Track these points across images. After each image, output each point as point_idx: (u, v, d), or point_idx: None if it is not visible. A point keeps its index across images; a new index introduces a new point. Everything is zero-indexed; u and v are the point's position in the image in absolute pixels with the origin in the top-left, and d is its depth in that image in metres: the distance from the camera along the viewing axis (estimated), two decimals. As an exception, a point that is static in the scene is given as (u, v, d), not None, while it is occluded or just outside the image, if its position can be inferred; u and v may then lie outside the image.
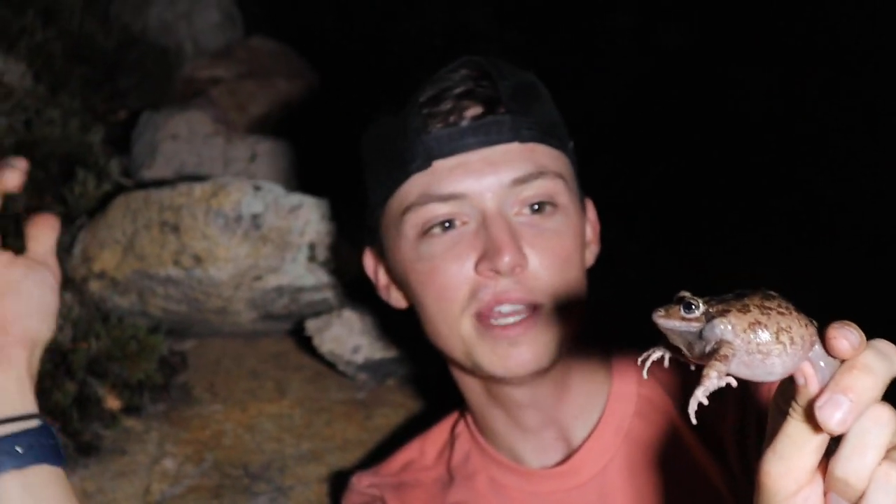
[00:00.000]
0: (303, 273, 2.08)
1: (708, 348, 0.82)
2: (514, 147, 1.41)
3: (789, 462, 0.82)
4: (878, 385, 0.78)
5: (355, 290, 2.12)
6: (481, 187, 1.40)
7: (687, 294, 0.84)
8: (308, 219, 2.06)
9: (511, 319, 1.40)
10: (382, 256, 1.57)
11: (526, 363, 1.41)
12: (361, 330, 2.11)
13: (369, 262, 1.63)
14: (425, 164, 1.41)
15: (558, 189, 1.44)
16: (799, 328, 0.81)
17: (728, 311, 0.82)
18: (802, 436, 0.82)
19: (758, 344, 0.81)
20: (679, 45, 3.93)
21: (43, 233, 1.28)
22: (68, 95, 2.61)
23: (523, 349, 1.40)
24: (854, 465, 0.78)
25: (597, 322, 1.56)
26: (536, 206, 1.42)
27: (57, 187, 2.29)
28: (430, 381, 2.21)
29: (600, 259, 1.60)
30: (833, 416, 0.77)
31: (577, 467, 1.49)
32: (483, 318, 1.41)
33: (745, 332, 0.81)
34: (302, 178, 2.62)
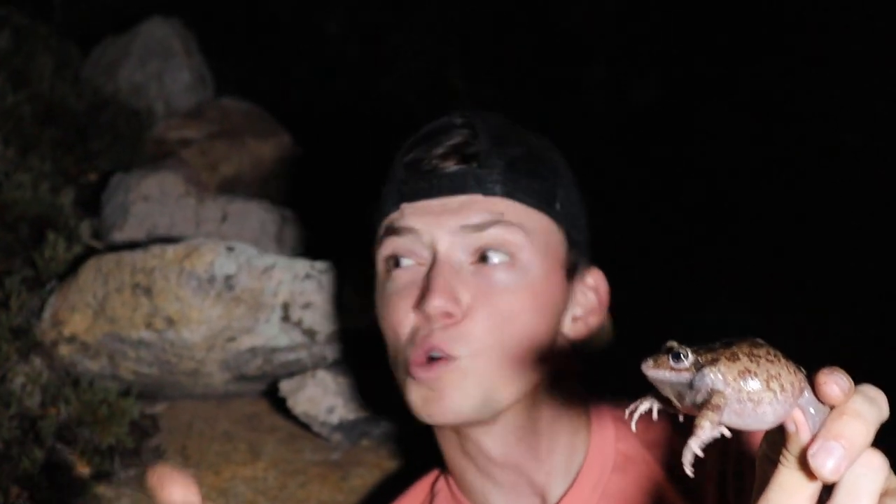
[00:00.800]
0: (276, 333, 2.07)
1: (699, 398, 0.81)
2: (475, 198, 1.43)
3: None
4: (870, 431, 0.78)
5: (329, 351, 2.12)
6: (434, 226, 1.43)
7: (675, 344, 0.84)
8: (281, 279, 2.06)
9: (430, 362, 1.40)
10: None
11: (444, 411, 1.39)
12: (336, 390, 2.10)
13: None
14: (395, 206, 1.47)
15: (516, 241, 1.42)
16: (788, 375, 0.81)
17: (717, 359, 0.81)
18: (795, 484, 0.80)
19: (748, 392, 0.80)
20: (649, 98, 4.02)
21: None
22: (38, 158, 2.61)
23: (443, 394, 1.39)
24: None
25: (573, 379, 1.57)
26: (489, 255, 1.41)
27: (27, 251, 2.28)
28: (407, 441, 2.20)
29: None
30: (826, 463, 0.76)
31: None
32: (414, 362, 1.40)
33: (735, 380, 0.80)
34: (274, 238, 2.63)
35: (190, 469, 2.01)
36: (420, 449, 1.73)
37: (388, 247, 1.47)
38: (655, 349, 0.85)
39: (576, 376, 1.55)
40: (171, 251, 2.00)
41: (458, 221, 1.42)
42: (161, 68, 3.40)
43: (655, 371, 0.84)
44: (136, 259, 2.03)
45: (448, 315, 1.38)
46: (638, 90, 4.19)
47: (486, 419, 1.43)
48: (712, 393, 0.80)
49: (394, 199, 1.48)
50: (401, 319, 1.43)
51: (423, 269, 1.43)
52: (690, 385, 0.82)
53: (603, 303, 1.59)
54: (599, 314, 1.59)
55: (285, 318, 2.07)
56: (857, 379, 0.82)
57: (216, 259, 2.01)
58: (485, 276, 1.41)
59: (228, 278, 2.02)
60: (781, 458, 0.82)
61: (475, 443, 1.48)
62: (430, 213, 1.44)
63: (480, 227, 1.42)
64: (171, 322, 1.98)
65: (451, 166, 1.46)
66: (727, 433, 0.81)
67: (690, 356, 0.82)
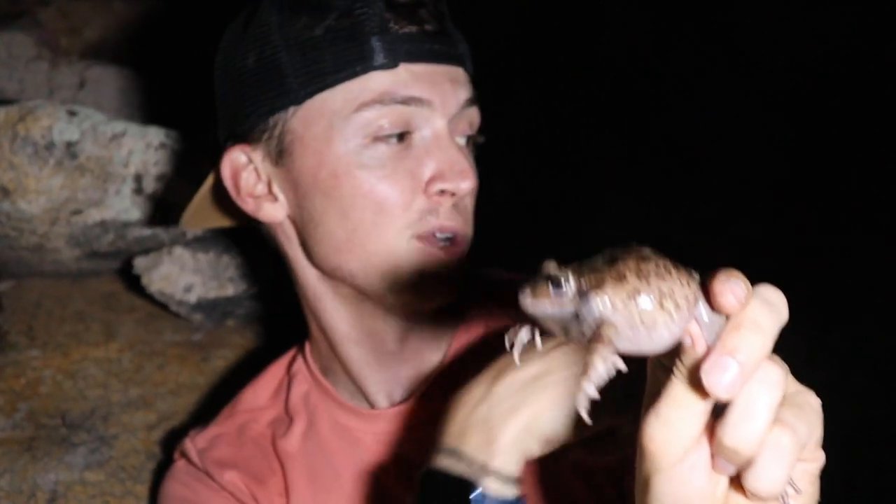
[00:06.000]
0: (129, 207, 1.92)
1: (587, 329, 0.71)
2: (460, 70, 1.39)
3: (675, 427, 0.72)
4: (768, 341, 0.69)
5: (187, 225, 1.98)
6: (444, 100, 1.33)
7: (553, 266, 0.73)
8: (132, 148, 1.89)
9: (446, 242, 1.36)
10: (272, 162, 1.37)
11: (452, 291, 1.37)
12: (194, 268, 1.97)
13: (236, 163, 1.40)
14: (392, 63, 1.30)
15: (479, 119, 1.42)
16: (681, 289, 0.71)
17: (603, 282, 0.70)
18: (688, 400, 0.72)
19: (641, 316, 0.70)
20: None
21: None
22: None
23: (452, 276, 1.36)
24: (743, 432, 0.69)
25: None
26: (471, 133, 1.39)
27: None
28: (274, 321, 2.10)
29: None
30: (720, 381, 0.67)
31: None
32: (423, 238, 1.34)
33: (625, 305, 0.69)
34: (137, 107, 2.43)
35: (34, 350, 1.88)
36: (287, 330, 1.65)
37: (389, 115, 1.30)
38: (532, 273, 0.73)
39: None
40: (2, 114, 1.80)
41: (462, 95, 1.36)
42: (17, -80, 3.06)
43: (536, 305, 0.73)
44: (-36, 122, 1.82)
45: (469, 196, 1.37)
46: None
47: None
48: (601, 323, 0.70)
49: (386, 54, 1.30)
50: (400, 198, 1.31)
51: (421, 144, 1.33)
52: (576, 315, 0.72)
53: None
54: None
55: (138, 190, 1.92)
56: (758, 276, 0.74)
57: (55, 124, 1.82)
58: (468, 154, 1.38)
59: (70, 145, 1.84)
60: (675, 369, 0.73)
61: (393, 326, 1.42)
62: (438, 83, 1.33)
63: (470, 104, 1.38)
64: (5, 192, 1.81)
65: (435, 27, 1.35)
66: (623, 367, 0.70)
67: (572, 281, 0.71)
